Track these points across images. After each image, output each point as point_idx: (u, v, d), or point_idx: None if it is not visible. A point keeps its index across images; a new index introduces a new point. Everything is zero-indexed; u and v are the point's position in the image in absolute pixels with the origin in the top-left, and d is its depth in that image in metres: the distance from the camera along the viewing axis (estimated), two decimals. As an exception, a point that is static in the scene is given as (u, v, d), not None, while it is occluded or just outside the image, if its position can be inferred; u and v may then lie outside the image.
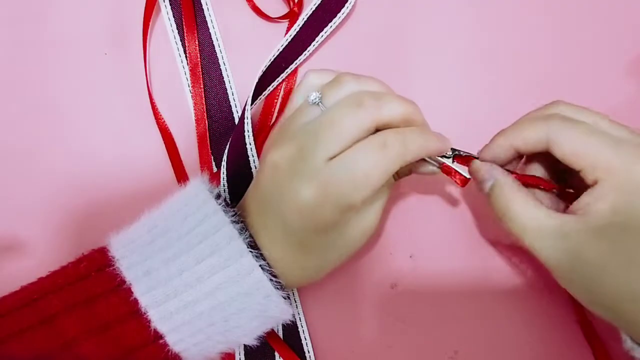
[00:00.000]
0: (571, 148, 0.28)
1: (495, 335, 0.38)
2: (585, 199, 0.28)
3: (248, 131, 0.36)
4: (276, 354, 0.37)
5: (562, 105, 0.30)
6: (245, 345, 0.37)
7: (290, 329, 0.37)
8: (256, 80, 0.37)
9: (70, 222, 0.38)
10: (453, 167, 0.32)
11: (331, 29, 0.39)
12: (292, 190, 0.28)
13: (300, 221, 0.29)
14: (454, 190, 0.37)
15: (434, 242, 0.39)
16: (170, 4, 0.40)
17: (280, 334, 0.37)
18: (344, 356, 0.38)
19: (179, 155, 0.39)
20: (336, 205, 0.28)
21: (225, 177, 0.37)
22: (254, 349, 0.37)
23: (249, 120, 0.37)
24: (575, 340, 0.38)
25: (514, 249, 0.39)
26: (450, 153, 0.32)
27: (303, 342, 0.37)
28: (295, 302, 0.38)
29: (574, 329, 0.38)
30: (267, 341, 0.36)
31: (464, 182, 0.32)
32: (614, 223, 0.27)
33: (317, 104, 0.30)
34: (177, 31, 0.40)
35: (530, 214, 0.29)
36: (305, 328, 0.37)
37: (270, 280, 0.29)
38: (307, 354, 0.37)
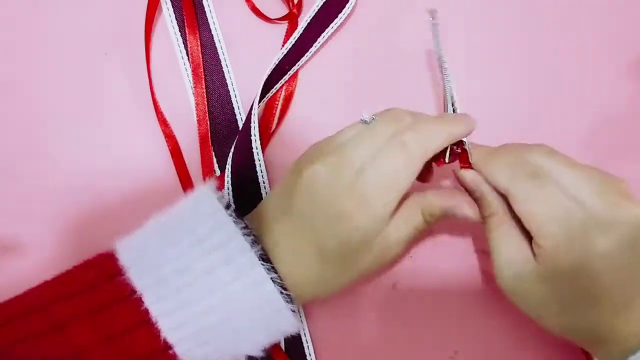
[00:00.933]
0: (525, 209, 0.30)
1: (495, 335, 0.38)
2: (535, 248, 0.30)
3: (255, 135, 0.37)
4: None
5: (543, 155, 0.31)
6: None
7: (291, 329, 0.37)
8: (262, 84, 0.37)
9: (70, 223, 0.38)
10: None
11: (332, 30, 0.39)
12: (332, 210, 0.29)
13: (336, 238, 0.29)
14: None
15: (434, 242, 0.39)
16: (172, 5, 0.40)
17: (281, 334, 0.37)
18: (344, 356, 0.38)
19: (181, 156, 0.39)
20: (369, 215, 0.29)
21: (229, 182, 0.37)
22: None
23: (256, 124, 0.37)
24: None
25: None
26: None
27: (304, 342, 0.37)
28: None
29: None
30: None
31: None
32: (556, 275, 0.29)
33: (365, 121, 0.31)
34: (179, 32, 0.40)
35: (508, 254, 0.31)
36: (306, 330, 0.37)
37: (281, 293, 0.29)
38: (308, 356, 0.37)
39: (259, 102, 0.38)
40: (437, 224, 0.38)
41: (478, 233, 0.38)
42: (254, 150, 0.37)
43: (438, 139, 0.31)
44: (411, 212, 0.32)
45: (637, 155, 0.40)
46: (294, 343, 0.37)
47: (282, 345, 0.37)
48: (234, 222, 0.29)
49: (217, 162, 0.39)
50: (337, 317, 0.38)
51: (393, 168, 0.29)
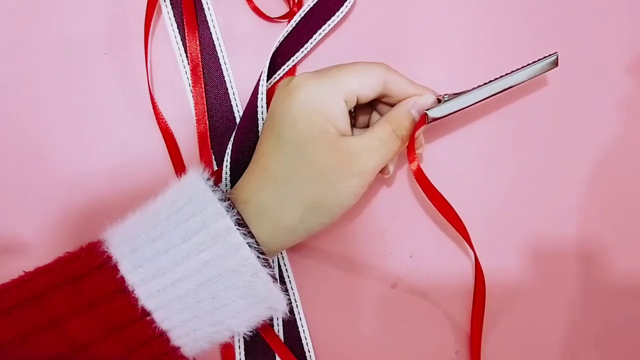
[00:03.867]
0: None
1: (496, 335, 0.38)
2: None
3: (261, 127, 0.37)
4: (277, 357, 0.37)
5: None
6: (245, 347, 0.37)
7: (291, 328, 0.37)
8: (265, 77, 0.37)
9: (70, 222, 0.38)
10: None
11: (329, 27, 0.39)
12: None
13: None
14: (454, 189, 0.37)
15: (434, 242, 0.39)
16: (171, 4, 0.40)
17: (281, 333, 0.37)
18: (344, 356, 0.38)
19: (180, 155, 0.39)
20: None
21: (228, 172, 0.37)
22: (254, 351, 0.37)
23: (263, 115, 0.37)
24: (576, 340, 0.38)
25: (515, 251, 0.39)
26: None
27: (303, 341, 0.37)
28: (296, 301, 0.38)
29: (574, 328, 0.38)
30: (267, 343, 0.36)
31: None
32: None
33: None
34: (177, 31, 0.40)
35: None
36: (305, 328, 0.37)
37: (258, 257, 0.29)
38: (307, 354, 0.37)
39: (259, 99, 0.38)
40: (436, 223, 0.39)
41: (478, 232, 0.38)
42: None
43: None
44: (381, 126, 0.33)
45: (638, 153, 0.40)
46: (293, 342, 0.37)
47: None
48: (212, 190, 0.29)
49: (215, 160, 0.39)
50: (336, 317, 0.38)
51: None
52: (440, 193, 0.35)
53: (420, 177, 0.34)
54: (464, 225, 0.36)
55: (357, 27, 0.40)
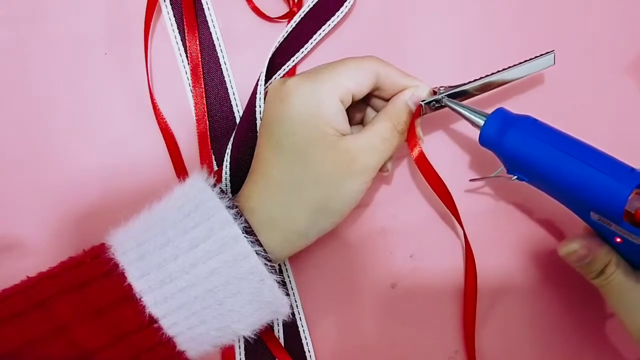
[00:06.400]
0: None
1: (496, 335, 0.38)
2: None
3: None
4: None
5: None
6: (245, 346, 0.37)
7: (291, 329, 0.37)
8: (264, 78, 0.37)
9: (69, 222, 0.38)
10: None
11: (330, 27, 0.39)
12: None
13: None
14: (454, 190, 0.37)
15: (434, 242, 0.39)
16: (171, 4, 0.40)
17: (281, 333, 0.37)
18: (344, 356, 0.38)
19: (180, 155, 0.39)
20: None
21: (228, 172, 0.37)
22: (254, 350, 0.37)
23: (261, 114, 0.37)
24: (575, 340, 0.38)
25: (514, 249, 0.39)
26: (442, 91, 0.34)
27: (303, 342, 0.37)
28: (296, 302, 0.38)
29: (573, 329, 0.38)
30: (267, 346, 0.36)
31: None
32: None
33: None
34: (177, 31, 0.40)
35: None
36: (305, 328, 0.37)
37: (265, 264, 0.29)
38: (307, 354, 0.37)
39: (261, 95, 0.38)
40: (436, 223, 0.39)
41: (478, 232, 0.38)
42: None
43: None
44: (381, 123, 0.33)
45: (638, 153, 0.40)
46: (293, 342, 0.37)
47: (282, 344, 0.37)
48: (219, 197, 0.29)
49: (215, 160, 0.39)
50: (336, 317, 0.38)
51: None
52: (441, 179, 0.35)
53: (422, 163, 0.34)
54: (459, 215, 0.36)
55: (357, 27, 0.40)
